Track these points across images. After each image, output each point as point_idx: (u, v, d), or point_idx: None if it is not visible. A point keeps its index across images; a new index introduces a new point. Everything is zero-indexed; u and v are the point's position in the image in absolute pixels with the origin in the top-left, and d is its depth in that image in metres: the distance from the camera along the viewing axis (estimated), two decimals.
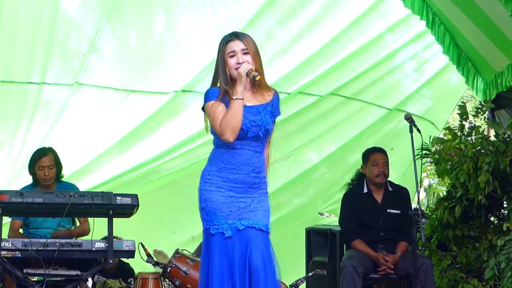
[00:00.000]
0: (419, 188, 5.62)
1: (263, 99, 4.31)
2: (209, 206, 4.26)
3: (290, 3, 7.14)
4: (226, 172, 4.25)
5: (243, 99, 4.18)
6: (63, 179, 6.42)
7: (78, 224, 6.36)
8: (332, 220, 8.24)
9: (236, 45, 4.27)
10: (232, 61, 4.26)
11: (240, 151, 4.25)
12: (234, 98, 4.17)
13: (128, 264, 6.51)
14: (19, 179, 7.06)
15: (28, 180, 6.49)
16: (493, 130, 6.75)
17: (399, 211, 6.27)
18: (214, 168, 4.29)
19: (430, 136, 6.85)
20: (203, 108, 4.31)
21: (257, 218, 4.22)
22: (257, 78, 4.19)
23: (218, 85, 4.29)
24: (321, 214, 8.48)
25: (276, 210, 7.76)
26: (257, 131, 4.24)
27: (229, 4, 7.01)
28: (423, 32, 7.43)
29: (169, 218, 7.90)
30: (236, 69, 4.23)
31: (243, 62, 4.23)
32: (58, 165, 6.33)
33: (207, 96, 4.28)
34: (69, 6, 6.73)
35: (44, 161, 6.26)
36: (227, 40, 4.32)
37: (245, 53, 4.26)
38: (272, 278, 4.16)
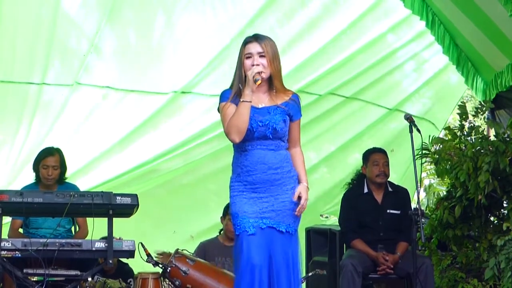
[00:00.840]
0: (419, 188, 5.62)
1: (276, 101, 4.36)
2: (234, 210, 4.33)
3: (290, 3, 7.14)
4: (244, 175, 4.32)
5: (250, 101, 4.24)
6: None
7: (77, 229, 6.36)
8: (332, 220, 8.24)
9: (254, 47, 4.33)
10: (248, 63, 4.32)
11: (251, 152, 4.31)
12: (241, 100, 4.23)
13: (127, 264, 6.51)
14: (19, 178, 7.05)
15: (28, 179, 6.49)
16: (493, 130, 6.76)
17: (399, 212, 6.28)
18: (234, 175, 4.38)
19: (430, 136, 6.86)
20: (218, 110, 4.40)
21: (278, 219, 4.28)
22: (257, 83, 4.24)
23: (235, 84, 4.36)
24: (322, 216, 8.48)
25: None
26: (264, 131, 4.29)
27: (229, 4, 7.02)
28: (423, 32, 7.43)
29: (169, 217, 7.90)
30: (257, 73, 4.29)
31: (258, 65, 4.27)
32: (62, 166, 6.34)
33: (221, 98, 4.39)
34: (69, 6, 6.73)
35: (49, 161, 6.26)
36: (246, 41, 4.38)
37: (261, 56, 4.32)
38: (294, 278, 4.22)
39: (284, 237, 4.27)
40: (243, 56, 4.35)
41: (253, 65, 4.29)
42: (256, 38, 4.37)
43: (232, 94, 4.34)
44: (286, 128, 4.36)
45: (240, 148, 4.35)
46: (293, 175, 4.36)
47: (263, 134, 4.30)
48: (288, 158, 4.37)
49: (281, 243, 4.25)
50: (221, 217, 6.65)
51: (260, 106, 4.34)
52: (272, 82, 4.37)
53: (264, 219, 4.26)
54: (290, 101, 4.39)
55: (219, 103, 4.39)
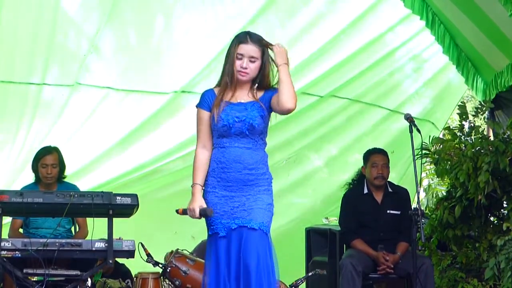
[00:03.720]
0: (419, 188, 5.62)
1: (252, 97, 4.34)
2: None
3: (290, 3, 7.14)
4: (218, 171, 4.29)
5: (202, 187, 4.31)
6: (65, 179, 6.43)
7: (77, 229, 6.36)
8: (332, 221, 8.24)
9: (247, 50, 4.29)
10: (238, 62, 4.30)
11: (229, 149, 4.29)
12: (193, 184, 4.31)
13: (124, 265, 6.51)
14: (19, 178, 7.06)
15: (28, 180, 6.50)
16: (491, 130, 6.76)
17: (399, 212, 6.28)
18: (209, 169, 4.33)
19: (430, 136, 6.86)
20: (197, 106, 4.42)
21: (250, 217, 4.21)
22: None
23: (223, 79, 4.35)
24: (327, 219, 8.48)
25: (276, 211, 7.76)
26: (240, 127, 4.26)
27: (229, 4, 7.02)
28: (423, 32, 7.43)
29: (170, 218, 7.88)
30: (239, 71, 4.28)
31: (246, 68, 4.25)
32: (61, 165, 6.35)
33: (200, 99, 4.41)
34: (69, 7, 6.73)
35: (48, 159, 6.27)
36: (240, 40, 4.33)
37: (252, 60, 4.29)
38: (267, 277, 4.13)
39: (257, 234, 4.18)
40: (234, 54, 4.30)
41: (240, 72, 4.26)
42: (252, 39, 4.32)
43: (218, 94, 4.32)
44: (264, 124, 4.31)
45: (218, 145, 4.33)
46: (267, 178, 4.33)
47: (239, 130, 4.26)
48: (264, 160, 4.33)
49: (253, 240, 4.16)
50: None
51: (237, 101, 4.31)
52: (256, 81, 4.34)
53: (236, 219, 4.22)
54: (264, 94, 4.33)
55: (197, 105, 4.41)
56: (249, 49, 4.29)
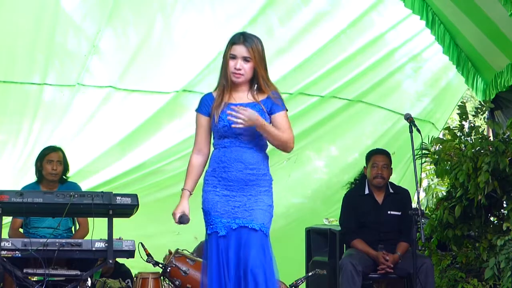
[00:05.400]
0: (419, 188, 5.62)
1: (255, 99, 4.32)
2: (205, 206, 4.32)
3: (290, 2, 7.14)
4: (220, 171, 4.29)
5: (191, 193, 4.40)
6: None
7: (78, 227, 6.37)
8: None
9: (239, 51, 4.28)
10: (231, 63, 4.29)
11: (230, 148, 4.28)
12: (183, 188, 4.38)
13: (124, 265, 6.51)
14: (21, 178, 7.07)
15: (31, 179, 6.49)
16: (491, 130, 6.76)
17: (399, 213, 6.27)
18: (210, 169, 4.34)
19: (428, 136, 6.85)
20: (195, 111, 4.44)
21: (251, 217, 4.21)
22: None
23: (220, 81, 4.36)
24: (327, 220, 8.49)
25: (276, 211, 7.75)
26: (239, 128, 4.23)
27: (229, 4, 7.02)
28: (423, 32, 7.43)
29: (172, 218, 7.89)
30: (233, 73, 4.28)
31: (239, 69, 4.24)
32: (65, 164, 6.36)
33: (199, 104, 4.43)
34: (69, 7, 6.73)
35: (53, 156, 6.28)
36: (233, 41, 4.32)
37: (245, 61, 4.28)
38: (266, 277, 4.13)
39: (258, 234, 4.18)
40: (228, 55, 4.30)
41: (234, 73, 4.26)
42: (245, 39, 4.29)
43: (217, 96, 4.32)
44: None
45: (219, 145, 4.33)
46: (268, 179, 4.33)
47: (239, 130, 4.24)
48: (265, 161, 4.34)
49: (254, 241, 4.16)
50: None
51: (237, 102, 4.30)
52: (253, 82, 4.33)
53: (237, 219, 4.22)
54: (267, 98, 4.32)
55: (197, 109, 4.42)
56: (242, 49, 4.27)
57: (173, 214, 4.37)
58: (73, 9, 6.77)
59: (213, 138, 4.39)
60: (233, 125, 4.16)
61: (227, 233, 4.22)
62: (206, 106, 4.38)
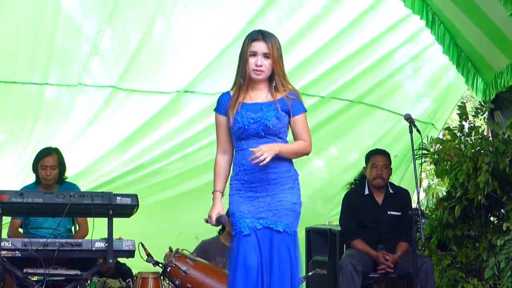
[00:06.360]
0: (419, 188, 5.62)
1: (273, 97, 4.32)
2: (231, 209, 4.33)
3: (290, 3, 7.14)
4: (242, 174, 4.30)
5: (221, 192, 4.38)
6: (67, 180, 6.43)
7: (77, 228, 6.37)
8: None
9: (260, 47, 4.29)
10: (251, 61, 4.29)
11: (248, 151, 4.26)
12: (213, 191, 4.37)
13: (125, 264, 6.52)
14: (22, 179, 7.07)
15: (32, 180, 6.50)
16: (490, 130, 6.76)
17: (399, 213, 6.28)
18: (233, 173, 4.36)
19: (428, 136, 6.85)
20: (214, 110, 4.42)
21: (275, 218, 4.23)
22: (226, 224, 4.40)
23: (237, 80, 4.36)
24: (328, 222, 8.49)
25: None
26: (256, 128, 4.25)
27: (229, 4, 7.02)
28: (423, 32, 7.43)
29: (174, 218, 7.91)
30: (254, 70, 4.28)
31: (261, 66, 4.25)
32: (61, 166, 6.34)
33: (217, 103, 4.41)
34: (70, 7, 6.73)
35: (47, 161, 6.27)
36: (253, 38, 4.32)
37: (266, 57, 4.28)
38: (291, 281, 4.17)
39: (282, 236, 4.20)
40: (247, 52, 4.30)
41: (254, 70, 4.26)
42: (263, 36, 4.30)
43: (233, 96, 4.32)
44: (280, 125, 4.28)
45: (238, 148, 4.34)
46: (292, 175, 4.31)
47: (255, 131, 4.25)
48: (286, 158, 4.31)
49: (278, 243, 4.19)
50: None
51: (253, 102, 4.30)
52: (272, 80, 4.33)
53: (261, 219, 4.22)
54: (285, 98, 4.32)
55: (215, 109, 4.40)
56: (262, 46, 4.28)
57: (209, 217, 4.36)
58: (73, 9, 6.77)
59: (232, 139, 4.38)
60: (260, 164, 4.16)
61: (251, 232, 4.22)
62: (223, 105, 4.38)
